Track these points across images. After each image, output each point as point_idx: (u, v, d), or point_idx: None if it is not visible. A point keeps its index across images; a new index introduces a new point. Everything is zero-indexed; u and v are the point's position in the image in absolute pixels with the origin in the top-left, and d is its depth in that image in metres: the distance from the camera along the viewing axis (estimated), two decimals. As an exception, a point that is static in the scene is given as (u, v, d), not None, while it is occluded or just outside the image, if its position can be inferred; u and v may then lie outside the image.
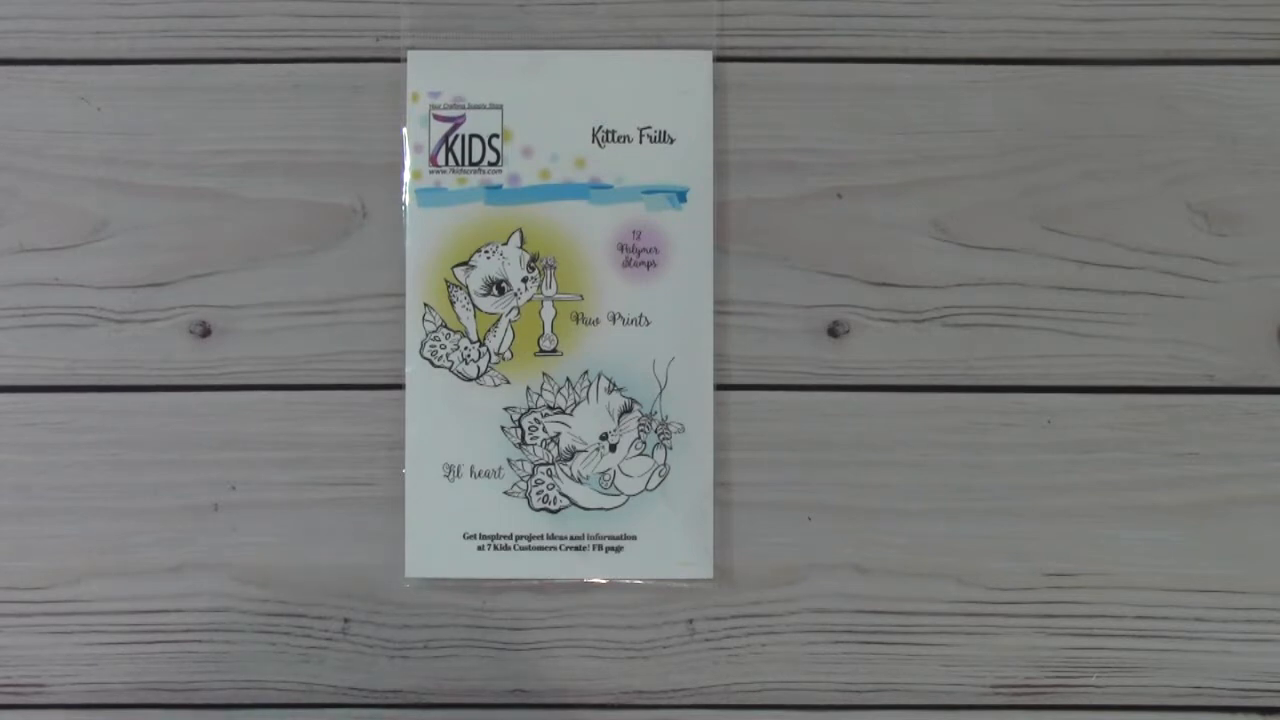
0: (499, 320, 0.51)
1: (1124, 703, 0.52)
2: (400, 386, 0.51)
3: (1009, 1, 0.51)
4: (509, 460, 0.51)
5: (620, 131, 0.50)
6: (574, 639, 0.52)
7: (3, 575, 0.51)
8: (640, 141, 0.50)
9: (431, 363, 0.50)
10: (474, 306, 0.51)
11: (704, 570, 0.51)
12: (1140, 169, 0.51)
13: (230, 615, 0.51)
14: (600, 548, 0.51)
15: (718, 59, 0.51)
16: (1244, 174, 0.51)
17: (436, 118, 0.51)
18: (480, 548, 0.51)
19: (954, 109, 0.51)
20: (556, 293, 0.51)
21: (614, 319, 0.51)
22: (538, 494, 0.51)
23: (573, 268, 0.51)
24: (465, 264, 0.51)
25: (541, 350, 0.51)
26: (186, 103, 0.51)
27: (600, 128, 0.50)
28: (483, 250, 0.51)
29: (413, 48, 0.51)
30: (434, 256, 0.51)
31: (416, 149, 0.51)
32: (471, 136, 0.51)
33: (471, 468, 0.51)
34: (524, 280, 0.51)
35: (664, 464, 0.51)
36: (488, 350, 0.51)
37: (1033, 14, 0.51)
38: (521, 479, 0.51)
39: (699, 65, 0.51)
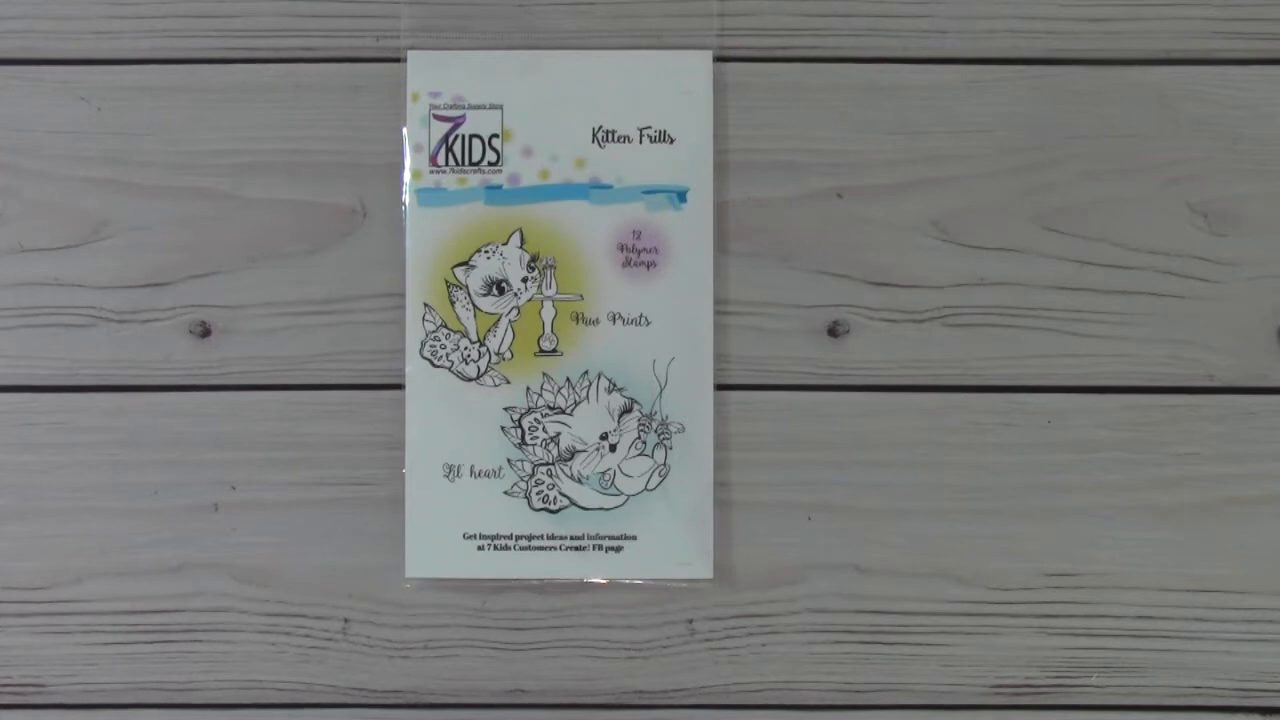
0: (499, 320, 0.51)
1: (1124, 703, 0.52)
2: (400, 386, 0.51)
3: (1009, 1, 0.51)
4: (509, 460, 0.51)
5: (620, 131, 0.50)
6: (574, 639, 0.52)
7: (3, 575, 0.51)
8: (640, 141, 0.50)
9: (431, 363, 0.51)
10: (474, 306, 0.51)
11: (704, 570, 0.51)
12: (1140, 169, 0.51)
13: (230, 615, 0.51)
14: (600, 548, 0.51)
15: (718, 59, 0.51)
16: (1244, 174, 0.51)
17: (436, 118, 0.51)
18: (480, 548, 0.51)
19: (954, 109, 0.51)
20: (556, 293, 0.51)
21: (614, 319, 0.51)
22: (538, 494, 0.51)
23: (573, 268, 0.51)
24: (465, 264, 0.51)
25: (541, 350, 0.51)
26: (186, 103, 0.51)
27: (600, 128, 0.50)
28: (483, 250, 0.51)
29: (413, 48, 0.51)
30: (434, 256, 0.51)
31: (416, 149, 0.51)
32: (471, 136, 0.51)
33: (471, 468, 0.51)
34: (524, 280, 0.51)
35: (664, 464, 0.51)
36: (488, 350, 0.51)
37: (1033, 14, 0.51)
38: (521, 479, 0.51)
39: (699, 65, 0.51)
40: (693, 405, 0.51)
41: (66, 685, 0.52)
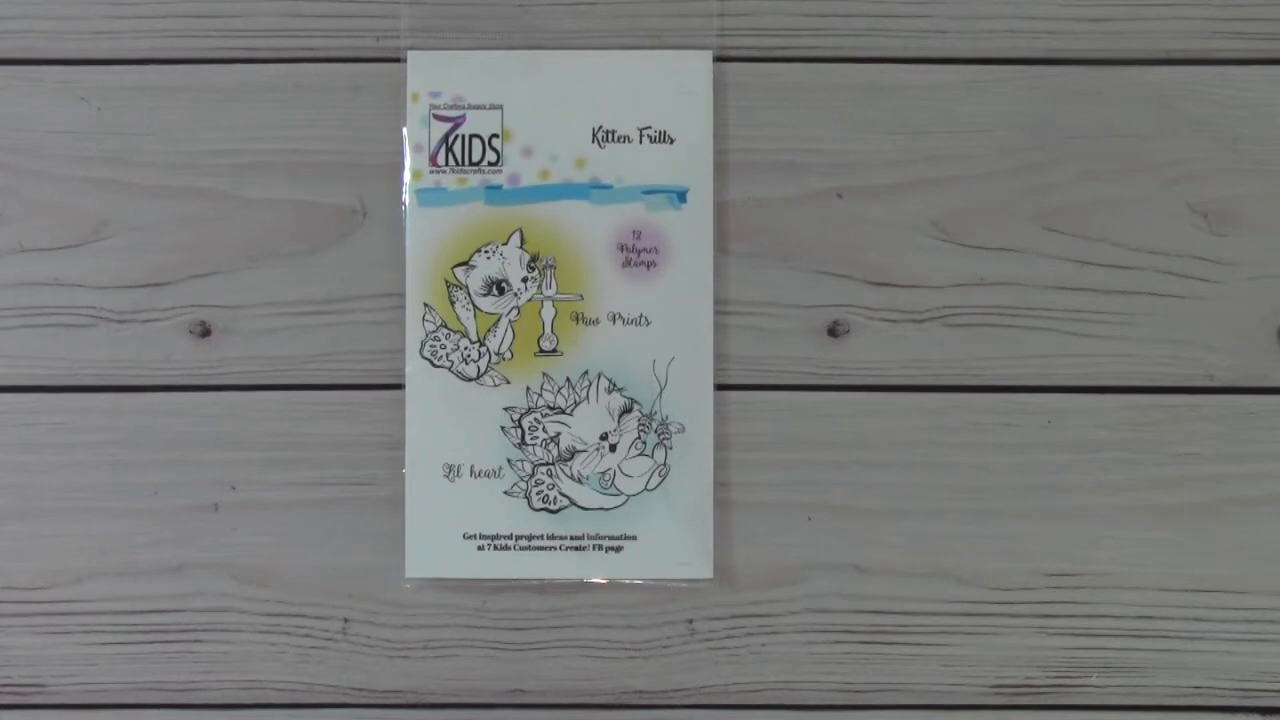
0: (499, 320, 0.51)
1: (1124, 703, 0.52)
2: (400, 386, 0.51)
3: (1009, 1, 0.51)
4: (509, 460, 0.51)
5: (620, 131, 0.50)
6: (574, 639, 0.52)
7: (3, 575, 0.51)
8: (640, 141, 0.50)
9: (431, 363, 0.51)
10: (474, 306, 0.51)
11: (704, 570, 0.51)
12: (1140, 169, 0.51)
13: (230, 615, 0.51)
14: (600, 548, 0.51)
15: (718, 59, 0.51)
16: (1244, 174, 0.51)
17: (436, 118, 0.51)
18: (480, 548, 0.51)
19: (954, 109, 0.51)
20: (556, 293, 0.51)
21: (614, 319, 0.51)
22: (538, 494, 0.51)
23: (573, 268, 0.51)
24: (465, 264, 0.51)
25: (541, 350, 0.51)
26: (186, 103, 0.51)
27: (600, 128, 0.50)
28: (483, 250, 0.51)
29: (413, 48, 0.51)
30: (434, 256, 0.51)
31: (416, 149, 0.51)
32: (471, 136, 0.51)
33: (471, 468, 0.51)
34: (524, 280, 0.51)
35: (664, 464, 0.51)
36: (488, 350, 0.51)
37: (1033, 14, 0.51)
38: (521, 479, 0.51)
39: (699, 65, 0.51)
40: (693, 405, 0.51)
41: (66, 685, 0.52)
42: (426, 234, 0.51)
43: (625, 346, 0.51)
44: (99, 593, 0.51)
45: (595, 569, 0.51)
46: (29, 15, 0.51)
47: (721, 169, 0.51)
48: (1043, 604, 0.51)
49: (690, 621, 0.52)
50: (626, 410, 0.51)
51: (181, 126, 0.51)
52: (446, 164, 0.51)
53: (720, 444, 0.51)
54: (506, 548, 0.51)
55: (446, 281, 0.51)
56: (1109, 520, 0.51)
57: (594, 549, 0.51)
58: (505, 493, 0.51)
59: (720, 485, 0.51)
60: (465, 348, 0.51)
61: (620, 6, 0.51)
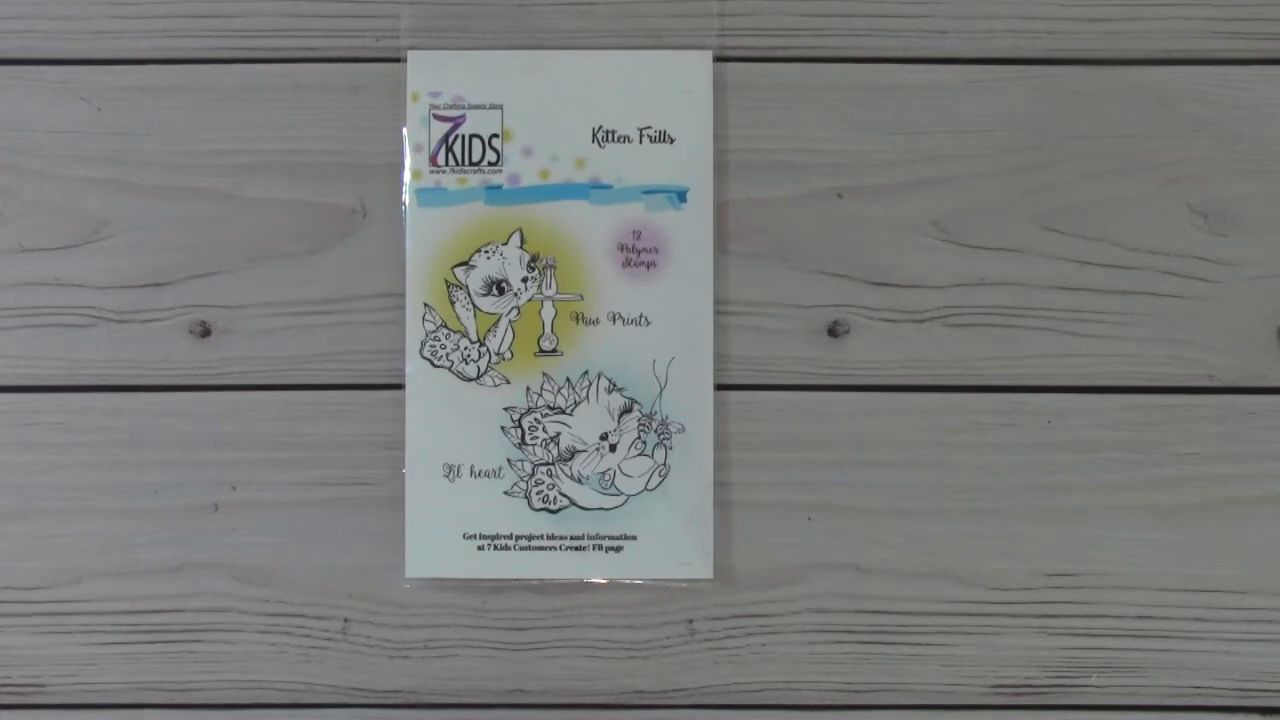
0: (499, 320, 0.51)
1: (1124, 703, 0.52)
2: (400, 386, 0.51)
3: (1009, 1, 0.51)
4: (509, 460, 0.51)
5: (620, 131, 0.50)
6: (574, 639, 0.52)
7: (3, 575, 0.51)
8: (640, 141, 0.51)
9: (431, 363, 0.51)
10: (474, 306, 0.51)
11: (704, 570, 0.51)
12: (1140, 169, 0.51)
13: (230, 615, 0.51)
14: (600, 548, 0.51)
15: (718, 59, 0.51)
16: (1244, 174, 0.51)
17: (436, 118, 0.51)
18: (480, 548, 0.51)
19: (954, 109, 0.51)
20: (556, 293, 0.51)
21: (614, 319, 0.51)
22: (538, 494, 0.51)
23: (573, 268, 0.51)
24: (465, 264, 0.51)
25: (541, 350, 0.51)
26: (186, 103, 0.51)
27: (600, 128, 0.50)
28: (483, 250, 0.51)
29: (413, 48, 0.51)
30: (434, 256, 0.51)
31: (416, 149, 0.51)
32: (471, 136, 0.51)
33: (471, 468, 0.51)
34: (524, 280, 0.51)
35: (664, 464, 0.51)
36: (488, 350, 0.51)
37: (1033, 14, 0.51)
38: (521, 479, 0.51)
39: (699, 65, 0.51)
40: (693, 405, 0.51)
41: (66, 685, 0.52)
42: (426, 234, 0.51)
43: (625, 346, 0.51)
44: (99, 593, 0.51)
45: (595, 569, 0.51)
46: (29, 15, 0.51)
47: (721, 169, 0.51)
48: (1043, 604, 0.51)
49: (690, 621, 0.52)
50: (626, 410, 0.51)
51: (181, 126, 0.51)
52: (446, 164, 0.51)
53: (720, 444, 0.51)
54: (506, 548, 0.51)
55: (446, 281, 0.51)
56: (1109, 520, 0.51)
57: (594, 549, 0.51)
58: (505, 493, 0.51)
59: (720, 485, 0.51)
60: (465, 348, 0.51)
61: (620, 6, 0.51)
